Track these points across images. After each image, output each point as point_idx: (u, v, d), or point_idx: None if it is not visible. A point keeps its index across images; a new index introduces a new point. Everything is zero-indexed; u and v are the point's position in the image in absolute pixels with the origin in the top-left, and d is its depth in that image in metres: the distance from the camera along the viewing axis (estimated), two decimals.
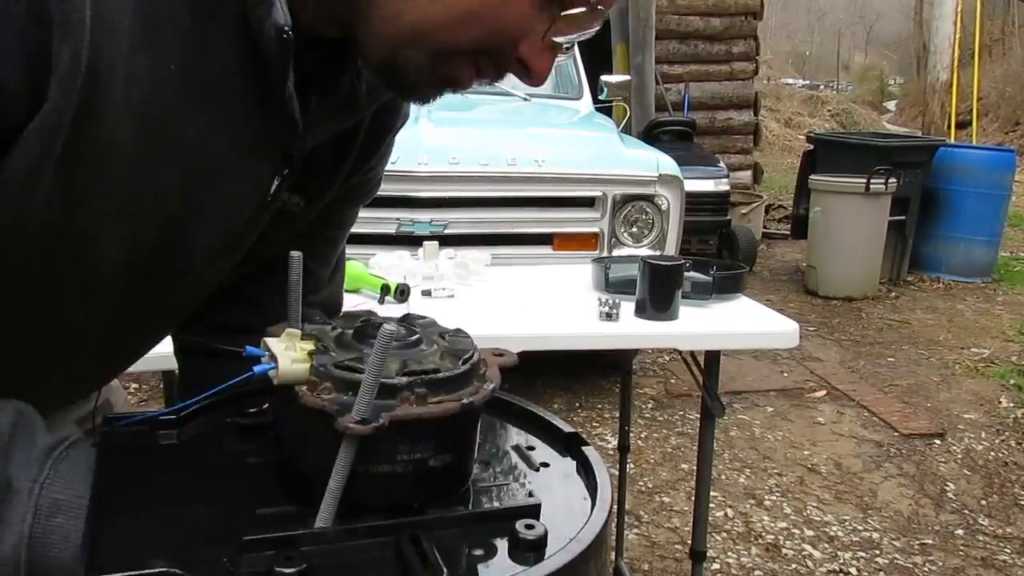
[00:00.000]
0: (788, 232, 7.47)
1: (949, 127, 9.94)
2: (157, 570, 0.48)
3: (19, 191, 0.56)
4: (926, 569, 2.70)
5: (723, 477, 3.25)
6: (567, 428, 0.70)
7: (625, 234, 3.33)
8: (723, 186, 5.97)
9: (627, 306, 1.83)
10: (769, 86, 19.45)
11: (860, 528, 2.93)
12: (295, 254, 0.62)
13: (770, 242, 7.75)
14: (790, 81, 24.74)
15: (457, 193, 3.13)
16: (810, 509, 3.05)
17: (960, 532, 2.94)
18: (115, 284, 0.68)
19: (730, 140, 7.75)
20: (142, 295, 0.72)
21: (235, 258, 0.79)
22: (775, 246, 7.65)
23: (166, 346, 0.91)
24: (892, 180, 5.71)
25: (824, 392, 4.23)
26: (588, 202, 3.29)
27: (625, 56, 6.16)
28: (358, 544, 0.54)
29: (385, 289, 1.89)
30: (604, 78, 4.52)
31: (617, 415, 3.15)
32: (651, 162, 3.36)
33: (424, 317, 0.66)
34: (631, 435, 2.71)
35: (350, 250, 1.01)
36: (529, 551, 0.54)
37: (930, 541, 2.87)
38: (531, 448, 0.69)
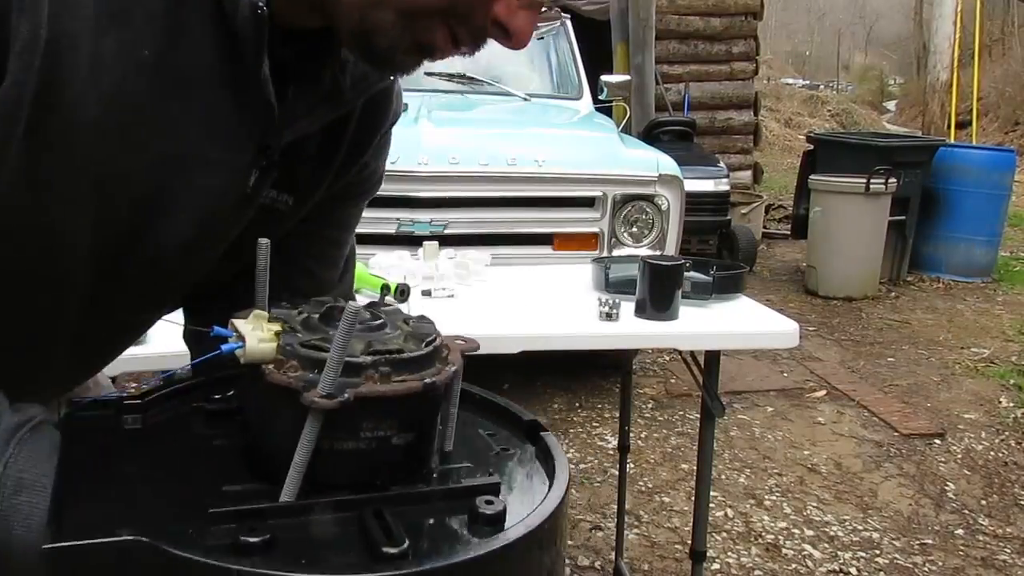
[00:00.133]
0: (788, 232, 7.47)
1: (949, 127, 9.93)
2: (122, 538, 0.48)
3: None
4: (926, 569, 2.70)
5: (723, 477, 3.25)
6: (527, 416, 0.71)
7: (625, 234, 3.33)
8: (723, 186, 5.96)
9: (627, 306, 1.83)
10: (769, 86, 19.45)
11: (860, 528, 2.93)
12: (263, 241, 0.62)
13: (770, 242, 7.75)
14: (790, 81, 24.75)
15: (457, 193, 3.14)
16: (810, 509, 3.05)
17: (960, 532, 2.93)
18: (84, 270, 0.68)
19: (730, 140, 7.75)
20: (114, 283, 0.72)
21: (217, 252, 0.78)
22: (775, 246, 7.65)
23: (166, 346, 0.91)
24: (892, 180, 5.71)
25: (824, 392, 4.22)
26: (588, 202, 3.30)
27: (625, 56, 6.16)
28: (323, 518, 0.55)
29: (385, 289, 1.88)
30: (604, 78, 4.52)
31: (617, 415, 3.14)
32: (651, 162, 3.36)
33: (389, 306, 0.67)
34: (631, 435, 2.70)
35: None
36: (488, 525, 0.55)
37: (930, 541, 2.87)
38: (491, 435, 0.70)
